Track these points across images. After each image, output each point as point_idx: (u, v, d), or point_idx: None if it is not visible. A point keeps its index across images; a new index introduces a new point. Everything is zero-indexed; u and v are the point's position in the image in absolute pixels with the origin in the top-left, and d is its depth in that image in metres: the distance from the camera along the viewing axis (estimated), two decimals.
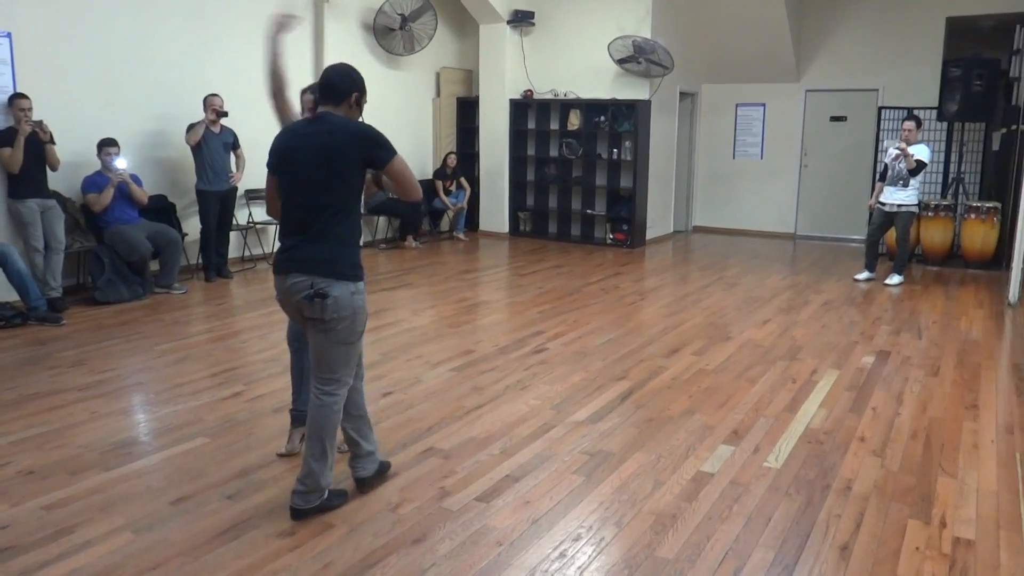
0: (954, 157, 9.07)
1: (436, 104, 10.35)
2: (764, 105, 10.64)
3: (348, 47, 8.79)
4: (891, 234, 7.77)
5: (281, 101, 3.29)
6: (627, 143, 9.54)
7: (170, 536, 2.78)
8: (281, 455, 3.44)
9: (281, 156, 2.85)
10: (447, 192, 9.93)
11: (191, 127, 6.86)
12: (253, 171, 7.34)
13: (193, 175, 7.06)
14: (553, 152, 10.16)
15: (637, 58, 9.08)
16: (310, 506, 2.89)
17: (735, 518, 2.96)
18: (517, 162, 10.28)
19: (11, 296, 5.75)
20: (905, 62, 9.56)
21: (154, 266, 6.67)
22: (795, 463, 3.46)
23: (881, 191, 7.59)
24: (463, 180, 10.12)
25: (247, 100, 7.26)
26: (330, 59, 8.51)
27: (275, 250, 2.92)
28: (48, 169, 6.00)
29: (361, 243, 2.99)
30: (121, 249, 6.36)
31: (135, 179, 6.53)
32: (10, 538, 2.75)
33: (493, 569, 2.60)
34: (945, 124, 8.94)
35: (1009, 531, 2.88)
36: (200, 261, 7.38)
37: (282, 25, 3.24)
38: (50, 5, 6.20)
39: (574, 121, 9.83)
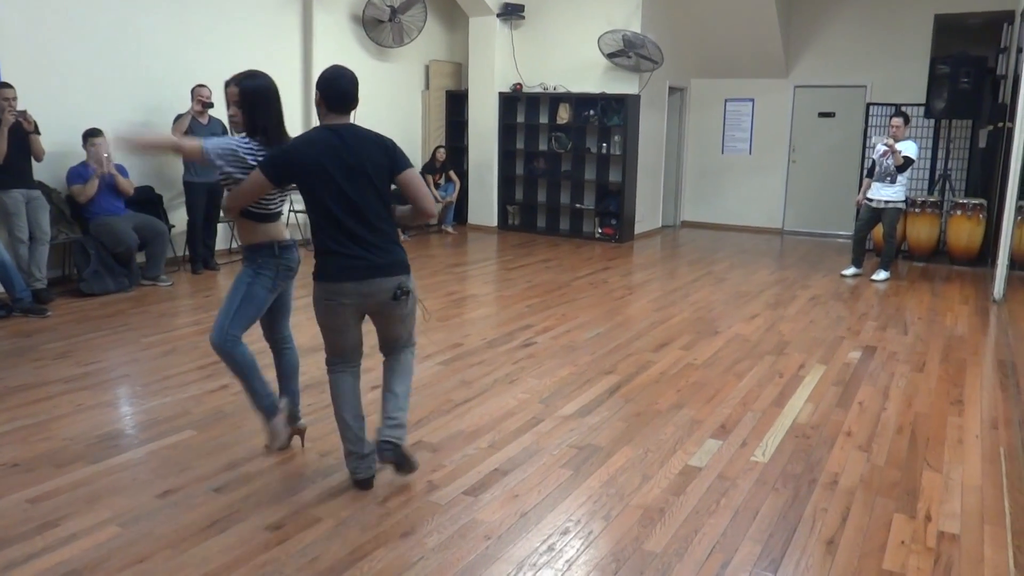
0: (941, 154, 9.13)
1: (425, 97, 10.30)
2: (753, 100, 10.66)
3: (337, 39, 8.75)
4: (878, 230, 7.81)
5: (150, 148, 3.48)
6: (616, 137, 9.55)
7: (156, 529, 2.77)
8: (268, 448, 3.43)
9: (315, 169, 2.83)
10: (436, 186, 9.91)
11: (178, 118, 6.80)
12: None
13: (180, 166, 7.02)
14: (542, 146, 10.15)
15: (627, 52, 9.07)
16: (405, 443, 3.08)
17: (722, 512, 2.97)
18: (506, 156, 10.27)
19: None
20: (893, 59, 9.60)
21: (140, 258, 6.62)
22: (782, 457, 3.48)
23: (869, 187, 7.63)
24: (452, 174, 10.09)
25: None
26: (319, 50, 8.48)
27: (322, 257, 2.92)
28: (33, 159, 5.94)
29: None
30: (107, 240, 6.31)
31: (121, 170, 6.48)
32: None
33: (481, 562, 2.61)
34: (932, 121, 8.99)
35: (993, 525, 2.91)
36: (187, 253, 7.34)
37: (131, 143, 3.33)
38: None
39: (563, 115, 9.82)
